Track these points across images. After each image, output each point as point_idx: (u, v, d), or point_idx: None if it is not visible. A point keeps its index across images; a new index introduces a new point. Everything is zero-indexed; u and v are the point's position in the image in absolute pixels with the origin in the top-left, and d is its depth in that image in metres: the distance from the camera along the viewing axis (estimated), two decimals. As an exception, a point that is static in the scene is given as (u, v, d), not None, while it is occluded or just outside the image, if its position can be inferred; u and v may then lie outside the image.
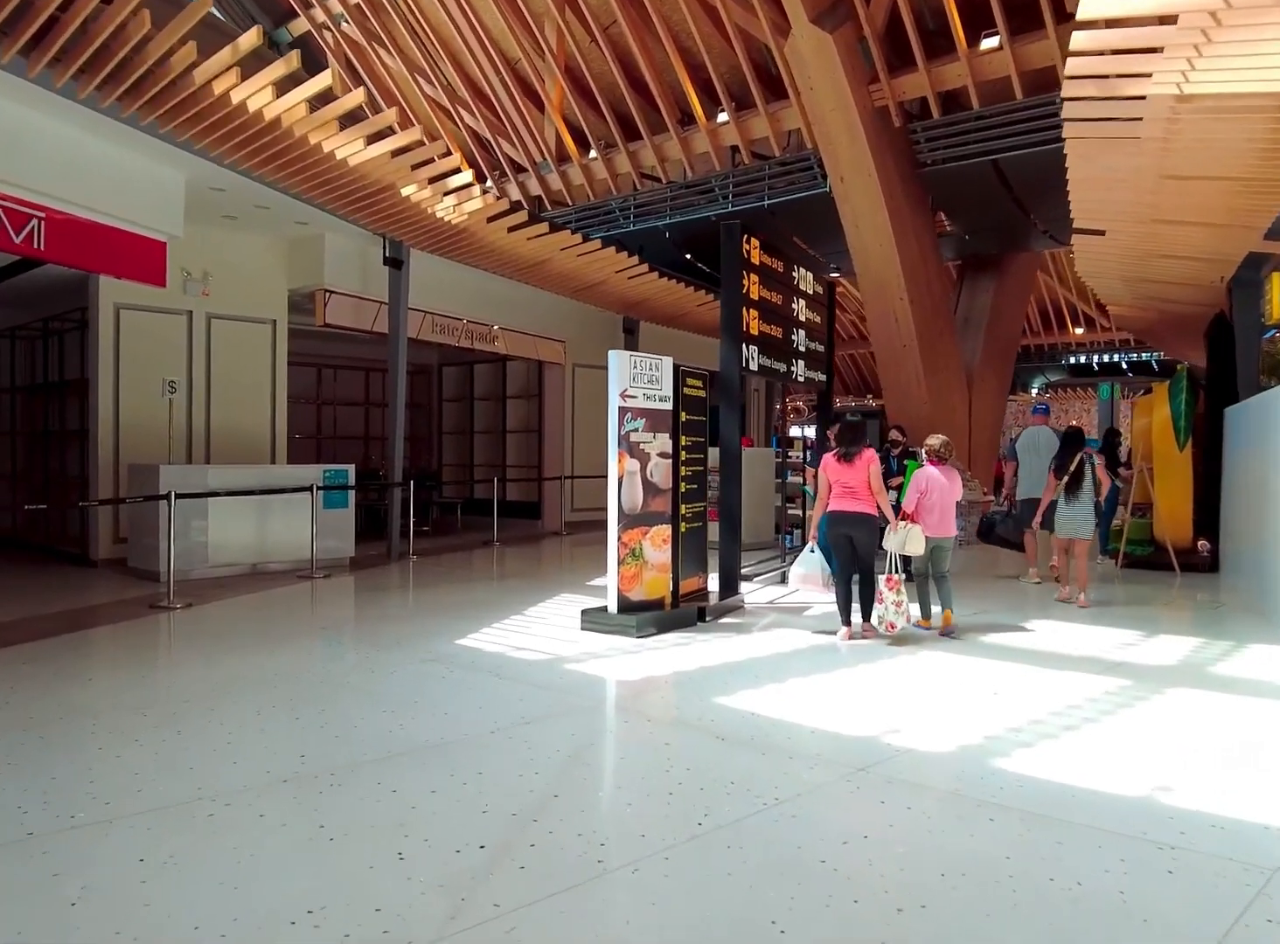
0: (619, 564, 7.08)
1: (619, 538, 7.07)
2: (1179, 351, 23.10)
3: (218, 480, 9.92)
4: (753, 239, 8.77)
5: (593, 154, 18.35)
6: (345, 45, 18.75)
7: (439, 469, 18.54)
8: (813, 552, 7.78)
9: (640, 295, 15.28)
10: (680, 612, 7.47)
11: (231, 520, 9.97)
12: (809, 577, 7.77)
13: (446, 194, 9.80)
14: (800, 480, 10.86)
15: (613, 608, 7.11)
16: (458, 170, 9.31)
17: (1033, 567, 10.23)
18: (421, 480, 16.33)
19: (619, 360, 7.11)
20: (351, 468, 11.15)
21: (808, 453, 10.40)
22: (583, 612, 7.32)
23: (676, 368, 7.67)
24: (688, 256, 17.88)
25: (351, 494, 11.07)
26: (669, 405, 7.57)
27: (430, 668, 5.91)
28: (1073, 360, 38.33)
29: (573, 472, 16.74)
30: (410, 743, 4.39)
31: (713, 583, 8.37)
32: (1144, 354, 35.36)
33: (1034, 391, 41.84)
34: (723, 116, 16.58)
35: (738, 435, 8.52)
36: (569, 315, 16.48)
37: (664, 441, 7.50)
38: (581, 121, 17.84)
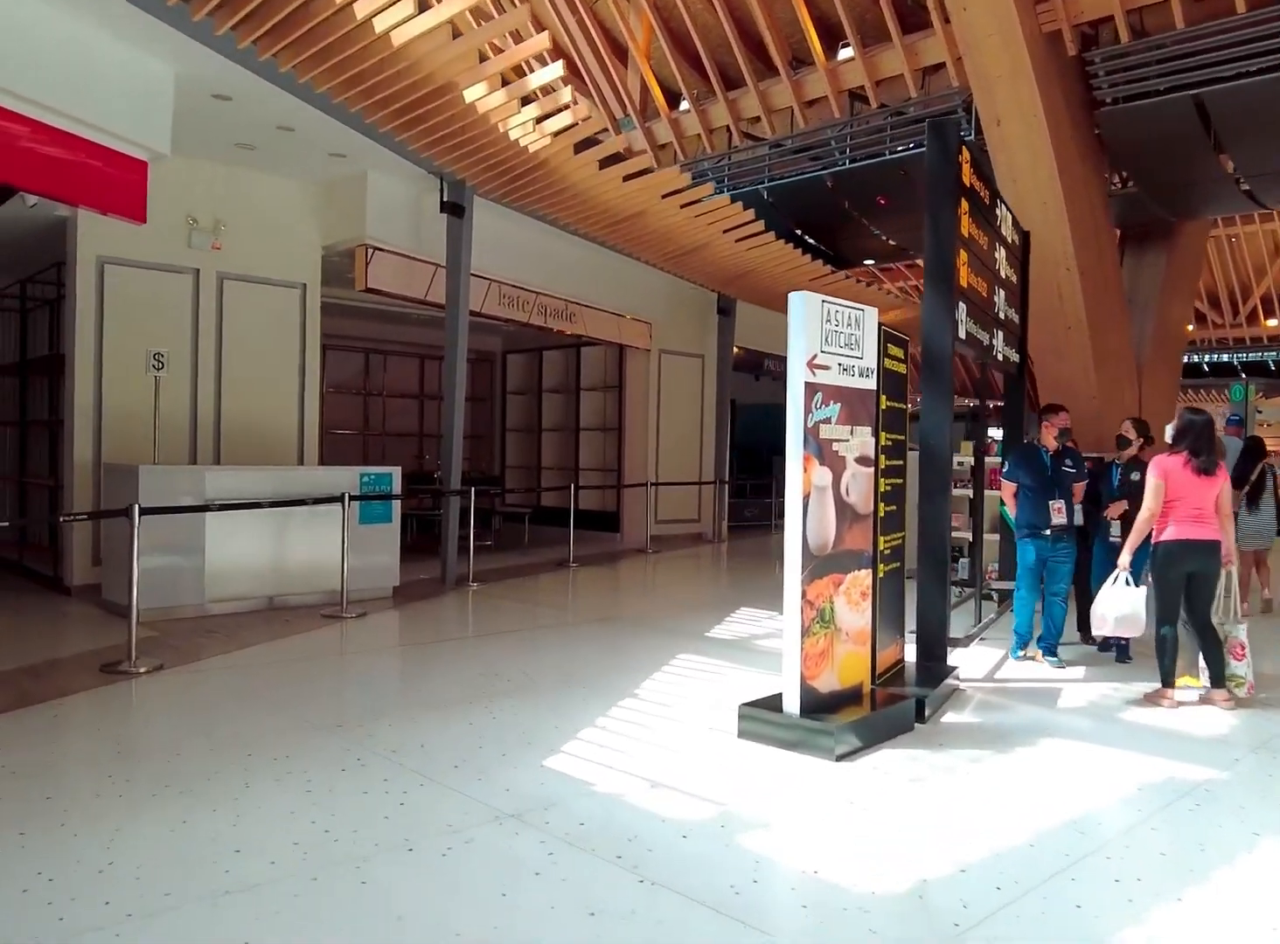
0: (802, 635, 4.42)
1: (802, 594, 4.41)
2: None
3: (218, 486, 7.46)
4: (964, 148, 6.06)
5: (684, 106, 15.75)
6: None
7: (501, 472, 16.04)
8: (1128, 584, 5.22)
9: (747, 265, 12.59)
10: (892, 712, 4.75)
11: (238, 540, 7.52)
12: (1131, 620, 5.25)
13: (525, 101, 7.23)
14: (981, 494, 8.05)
15: (791, 706, 4.44)
16: (543, 59, 6.74)
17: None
18: (482, 486, 13.88)
19: (808, 307, 4.43)
20: (396, 471, 8.63)
21: (1002, 461, 7.61)
22: (741, 709, 4.65)
23: (879, 328, 4.99)
24: (798, 232, 15.14)
25: (396, 506, 8.56)
26: (872, 383, 4.89)
27: (510, 839, 3.30)
28: (1184, 361, 35.11)
29: (657, 477, 14.13)
30: None
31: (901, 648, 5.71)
32: (1257, 354, 32.08)
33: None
34: (845, 52, 13.85)
35: (947, 433, 5.83)
36: (656, 292, 13.87)
37: (865, 440, 4.83)
38: (672, 68, 15.23)
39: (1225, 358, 33.32)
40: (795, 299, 4.45)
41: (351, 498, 7.71)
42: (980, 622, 7.16)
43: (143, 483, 7.05)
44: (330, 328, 13.92)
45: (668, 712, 5.02)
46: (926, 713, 4.92)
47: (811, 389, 4.43)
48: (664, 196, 9.82)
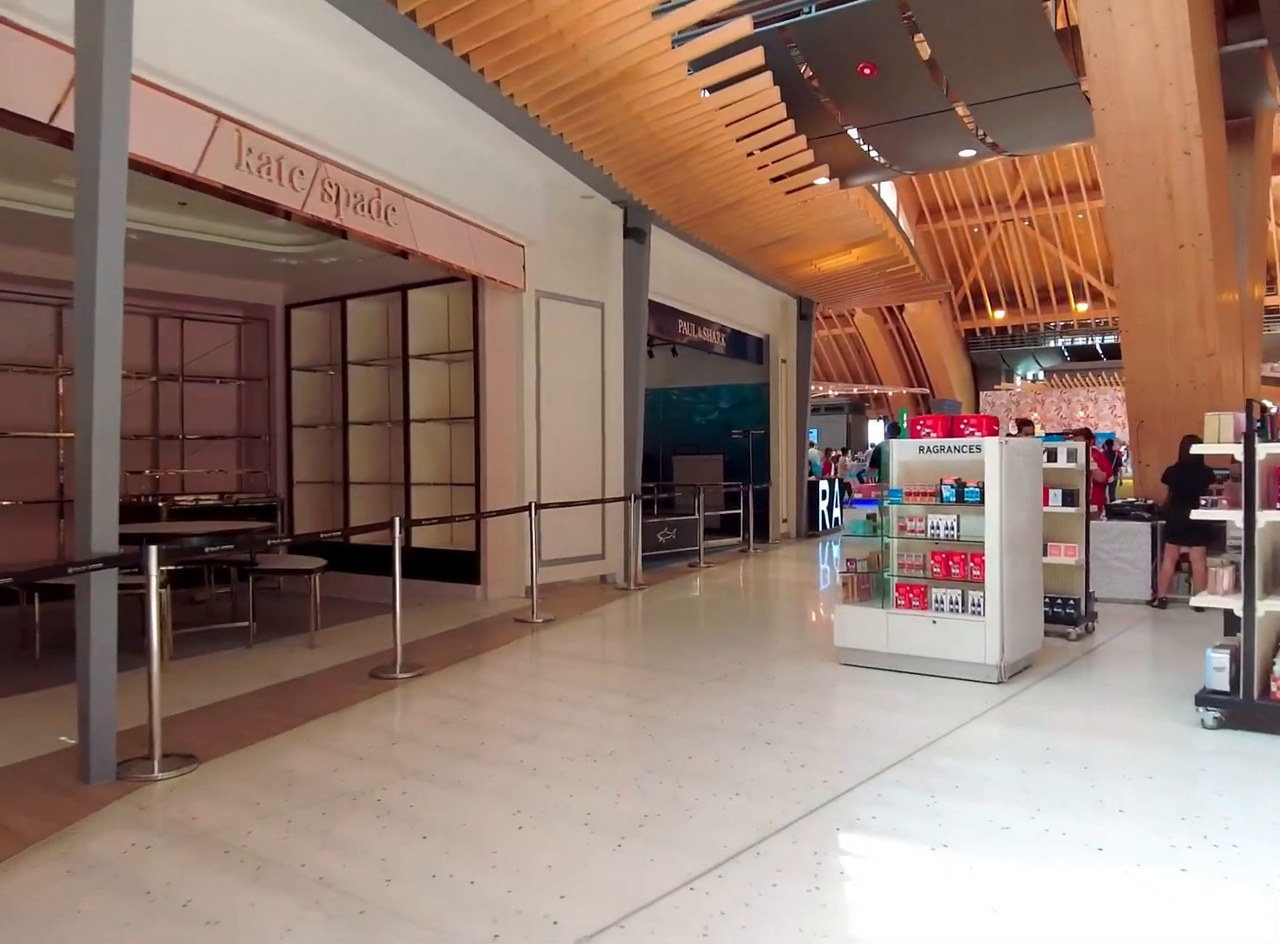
0: None
1: None
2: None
3: None
4: None
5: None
6: None
7: (289, 493, 10.25)
8: None
9: (693, 133, 7.43)
10: None
11: None
12: None
13: None
14: None
15: None
16: None
17: None
18: (249, 519, 8.22)
19: None
20: None
21: None
22: None
23: None
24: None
25: None
26: None
27: None
28: (1071, 343, 32.97)
29: (540, 494, 8.81)
30: None
31: None
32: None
33: (1019, 380, 35.70)
34: None
35: None
36: (531, 192, 8.55)
37: None
38: None
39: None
40: None
41: None
42: None
43: None
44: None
45: None
46: None
47: None
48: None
